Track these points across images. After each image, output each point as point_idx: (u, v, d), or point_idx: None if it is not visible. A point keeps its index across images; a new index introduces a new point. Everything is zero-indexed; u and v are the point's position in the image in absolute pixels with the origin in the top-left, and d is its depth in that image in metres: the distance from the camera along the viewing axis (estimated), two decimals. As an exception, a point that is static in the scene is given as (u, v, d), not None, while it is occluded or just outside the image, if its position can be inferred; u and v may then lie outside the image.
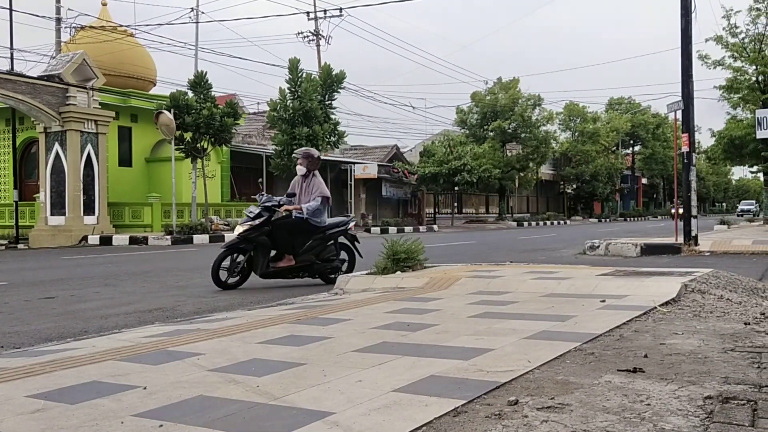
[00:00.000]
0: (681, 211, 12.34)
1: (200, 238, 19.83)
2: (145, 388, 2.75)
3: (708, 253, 11.50)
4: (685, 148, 11.87)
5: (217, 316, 5.32)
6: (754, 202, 71.01)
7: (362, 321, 4.39)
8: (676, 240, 12.43)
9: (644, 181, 68.49)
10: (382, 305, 5.14)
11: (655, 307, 4.60)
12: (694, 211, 11.93)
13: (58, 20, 24.39)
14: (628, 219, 53.30)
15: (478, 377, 2.80)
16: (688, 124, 11.96)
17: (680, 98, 12.07)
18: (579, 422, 2.20)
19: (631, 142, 61.82)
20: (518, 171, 42.34)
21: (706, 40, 23.82)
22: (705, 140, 64.06)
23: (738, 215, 56.05)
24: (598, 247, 12.45)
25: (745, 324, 4.02)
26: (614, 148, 55.88)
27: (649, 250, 11.93)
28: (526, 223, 39.01)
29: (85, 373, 3.07)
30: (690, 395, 2.48)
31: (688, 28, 11.90)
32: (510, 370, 2.91)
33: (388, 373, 2.90)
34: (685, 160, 11.93)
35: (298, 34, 33.74)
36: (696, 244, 11.91)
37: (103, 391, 2.71)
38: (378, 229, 28.68)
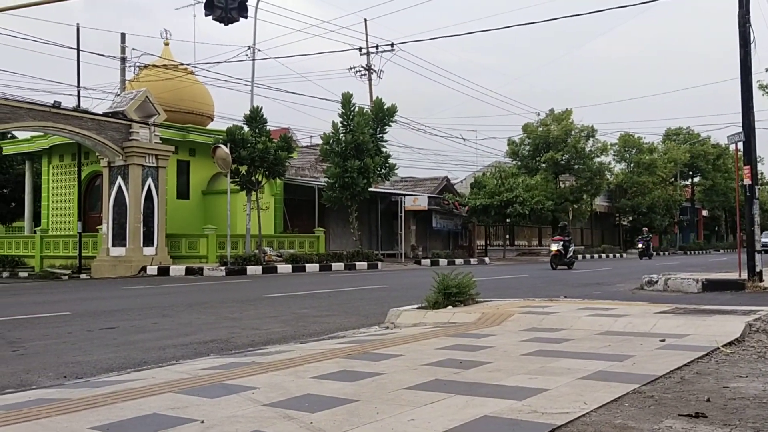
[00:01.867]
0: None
1: (254, 269, 20.18)
2: (202, 422, 2.81)
3: (774, 290, 11.01)
4: (747, 181, 11.50)
5: (270, 349, 5.40)
6: None
7: (414, 357, 4.38)
8: (740, 275, 11.95)
9: (705, 213, 66.30)
10: (433, 341, 5.12)
11: (718, 348, 4.45)
12: (758, 246, 11.50)
13: (123, 59, 25.54)
14: (688, 252, 51.57)
15: (532, 419, 2.76)
16: (750, 155, 11.62)
17: (741, 130, 11.75)
18: (638, 469, 2.14)
19: (690, 173, 60.00)
20: (572, 203, 41.69)
21: (767, 70, 23.12)
22: (768, 171, 61.31)
23: (761, 251, 43.62)
24: (657, 282, 12.09)
25: (816, 367, 3.84)
26: (672, 179, 54.42)
27: (710, 286, 11.50)
28: (580, 256, 38.22)
29: (146, 405, 3.15)
30: (756, 444, 2.38)
31: (747, 58, 11.62)
32: (566, 411, 2.85)
33: (441, 412, 2.89)
34: (748, 193, 11.56)
35: (351, 68, 34.26)
36: (761, 280, 11.43)
37: (163, 424, 2.79)
38: (428, 261, 28.60)
